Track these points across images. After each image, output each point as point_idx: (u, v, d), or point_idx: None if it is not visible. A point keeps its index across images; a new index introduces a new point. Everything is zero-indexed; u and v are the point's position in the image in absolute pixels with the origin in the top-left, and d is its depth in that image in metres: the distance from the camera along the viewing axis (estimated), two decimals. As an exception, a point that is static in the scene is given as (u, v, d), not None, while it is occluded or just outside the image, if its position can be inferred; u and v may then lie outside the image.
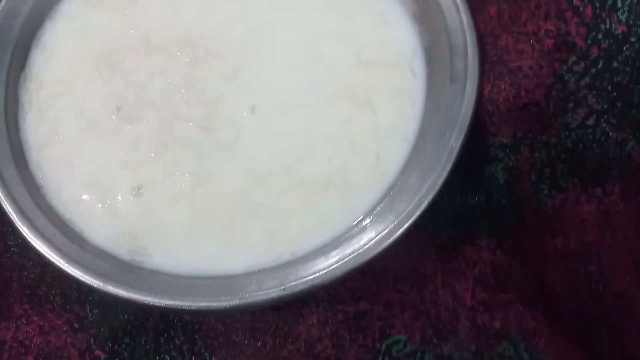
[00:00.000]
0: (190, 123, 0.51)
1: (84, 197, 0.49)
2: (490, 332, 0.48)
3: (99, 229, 0.48)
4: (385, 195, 0.48)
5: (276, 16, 0.55)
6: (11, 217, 0.46)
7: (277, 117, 0.51)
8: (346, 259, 0.43)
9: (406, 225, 0.44)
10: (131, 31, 0.54)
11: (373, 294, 0.49)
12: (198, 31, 0.54)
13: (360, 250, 0.44)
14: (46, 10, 0.55)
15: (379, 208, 0.47)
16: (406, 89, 0.52)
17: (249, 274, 0.46)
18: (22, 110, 0.52)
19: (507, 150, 0.50)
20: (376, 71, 0.53)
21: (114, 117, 0.51)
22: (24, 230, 0.45)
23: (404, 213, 0.44)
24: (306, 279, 0.43)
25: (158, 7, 0.55)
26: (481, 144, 0.51)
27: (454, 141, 0.46)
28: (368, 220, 0.46)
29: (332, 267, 0.43)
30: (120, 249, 0.47)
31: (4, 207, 0.46)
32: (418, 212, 0.44)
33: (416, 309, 0.49)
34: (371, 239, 0.44)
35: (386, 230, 0.44)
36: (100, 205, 0.49)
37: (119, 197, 0.49)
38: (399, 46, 0.53)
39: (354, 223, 0.47)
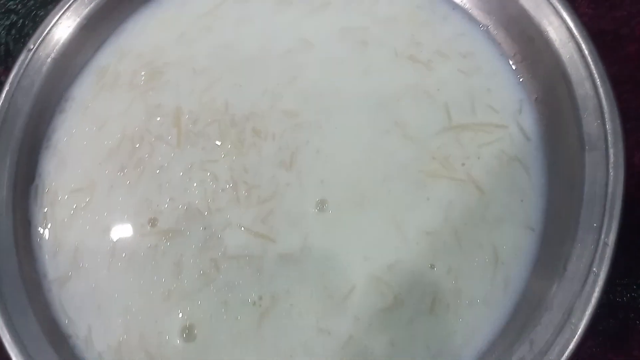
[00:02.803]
0: (243, 229, 0.39)
1: (123, 344, 0.38)
2: None
3: (145, 389, 0.37)
4: (515, 314, 0.35)
5: (335, 76, 0.43)
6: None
7: (353, 211, 0.39)
8: None
9: (559, 367, 0.32)
10: (158, 117, 0.43)
11: None
12: (240, 106, 0.43)
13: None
14: (55, 100, 0.45)
15: (509, 338, 0.34)
16: (518, 156, 0.39)
17: None
18: (36, 234, 0.42)
19: (678, 235, 0.38)
20: (474, 134, 0.40)
21: (146, 232, 0.40)
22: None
23: (550, 349, 0.32)
24: None
25: (187, 80, 0.44)
26: (630, 223, 0.38)
27: (606, 235, 0.33)
28: (497, 356, 0.34)
29: None
30: (175, 414, 0.37)
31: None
32: (571, 348, 0.32)
33: None
34: (509, 388, 0.32)
35: (530, 376, 0.32)
36: (144, 355, 0.38)
37: (167, 341, 0.38)
38: (499, 99, 0.41)
39: (477, 356, 0.35)
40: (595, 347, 0.38)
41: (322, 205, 0.39)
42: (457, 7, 0.44)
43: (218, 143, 0.42)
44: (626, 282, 0.39)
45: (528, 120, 0.40)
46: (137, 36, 0.47)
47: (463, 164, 0.40)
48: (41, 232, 0.42)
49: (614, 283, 0.39)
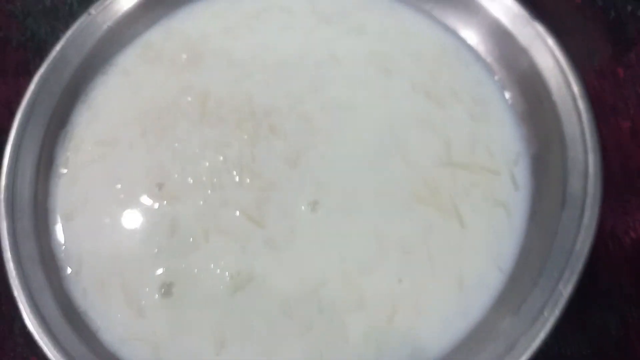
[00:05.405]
0: (238, 212, 0.43)
1: (107, 285, 0.42)
2: None
3: (116, 329, 0.40)
4: (466, 339, 0.38)
5: (355, 94, 0.47)
6: (19, 302, 0.39)
7: (341, 217, 0.42)
8: None
9: (492, 393, 0.34)
10: (188, 98, 0.47)
11: None
12: (263, 102, 0.47)
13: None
14: (100, 63, 0.49)
15: (456, 357, 0.37)
16: (504, 202, 0.42)
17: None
18: (55, 173, 0.46)
19: (628, 301, 0.40)
20: (468, 173, 0.43)
21: (153, 193, 0.44)
22: (31, 321, 0.38)
23: (490, 375, 0.34)
24: None
25: (222, 69, 0.49)
26: (593, 284, 0.40)
27: (563, 286, 0.36)
28: (441, 372, 0.37)
29: None
30: (137, 358, 0.39)
31: (13, 288, 0.39)
32: (509, 377, 0.34)
33: None
34: (443, 403, 0.34)
35: (464, 396, 0.34)
36: (122, 299, 0.41)
37: (147, 292, 0.41)
38: (499, 148, 0.44)
39: (423, 371, 0.37)
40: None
41: (314, 205, 0.43)
42: (480, 59, 0.48)
43: (235, 130, 0.46)
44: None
45: (521, 172, 0.43)
46: (187, 22, 0.52)
47: (451, 197, 0.43)
48: (61, 172, 0.46)
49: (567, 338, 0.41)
